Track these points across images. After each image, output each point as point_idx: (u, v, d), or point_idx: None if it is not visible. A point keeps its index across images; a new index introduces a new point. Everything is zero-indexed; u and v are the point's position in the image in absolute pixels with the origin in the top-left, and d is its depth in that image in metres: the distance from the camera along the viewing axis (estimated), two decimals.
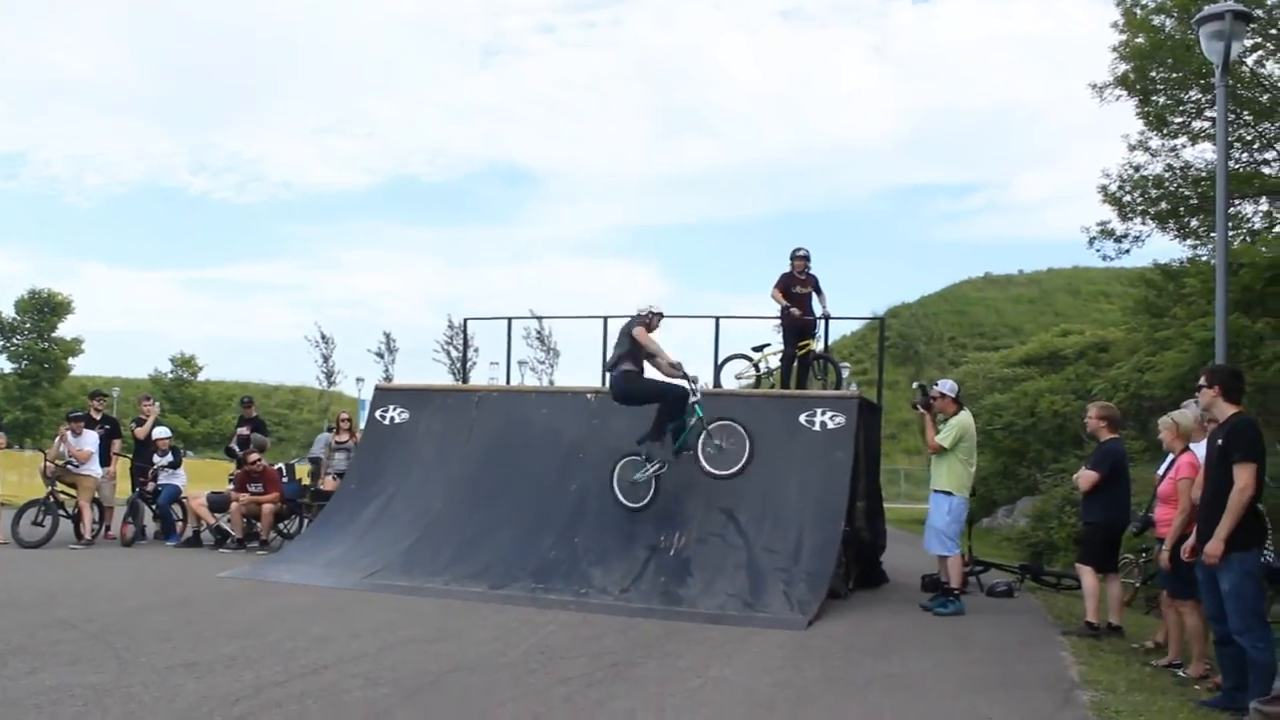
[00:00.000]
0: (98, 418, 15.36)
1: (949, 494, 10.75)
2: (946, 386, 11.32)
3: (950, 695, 6.74)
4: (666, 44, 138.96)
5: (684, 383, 11.15)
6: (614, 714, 5.90)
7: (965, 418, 11.04)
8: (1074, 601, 11.71)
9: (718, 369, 14.61)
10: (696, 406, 10.96)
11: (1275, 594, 9.21)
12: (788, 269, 13.97)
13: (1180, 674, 7.80)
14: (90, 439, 14.36)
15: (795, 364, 13.98)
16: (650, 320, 11.15)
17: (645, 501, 11.18)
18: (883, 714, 6.17)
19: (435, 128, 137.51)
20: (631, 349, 11.06)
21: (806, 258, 13.96)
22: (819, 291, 14.03)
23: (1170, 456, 8.61)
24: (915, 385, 13.73)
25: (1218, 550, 6.47)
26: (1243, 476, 6.39)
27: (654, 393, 11.21)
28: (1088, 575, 9.55)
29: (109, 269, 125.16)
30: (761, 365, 14.74)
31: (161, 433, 15.62)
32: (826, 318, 14.29)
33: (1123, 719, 6.22)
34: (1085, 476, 9.58)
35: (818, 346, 14.28)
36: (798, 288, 13.87)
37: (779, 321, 14.20)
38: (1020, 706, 6.47)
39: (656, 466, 11.10)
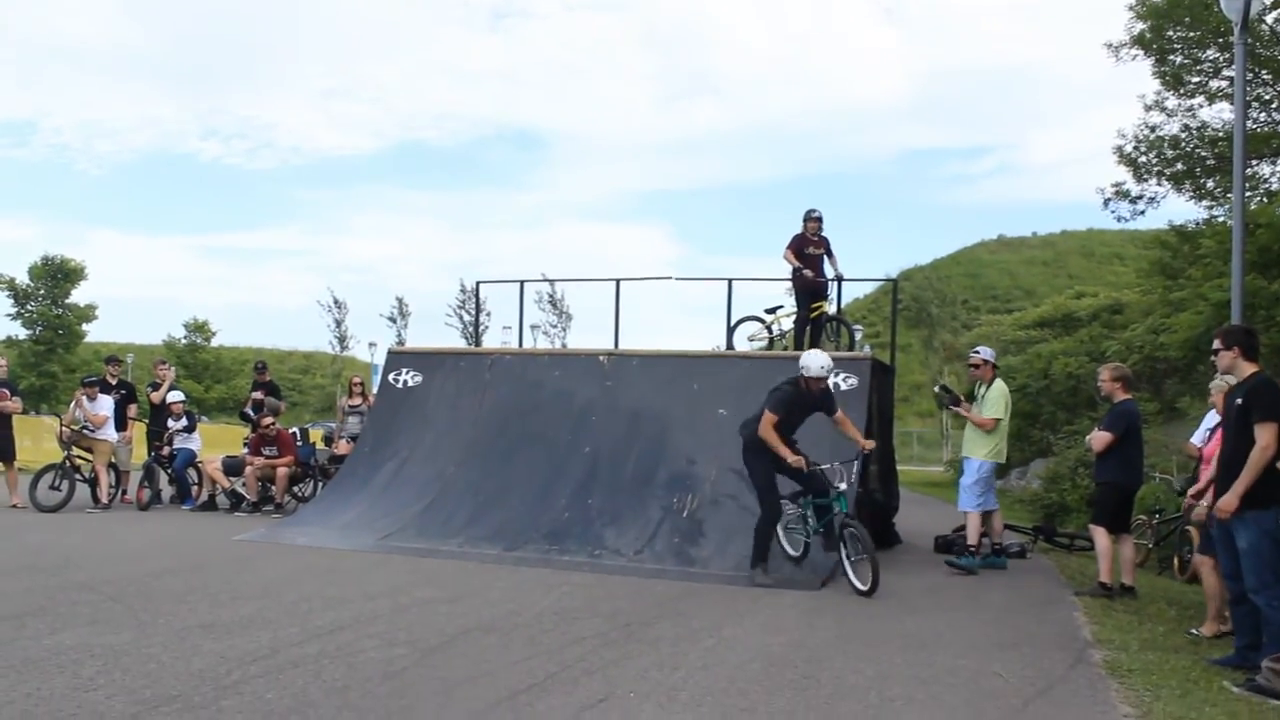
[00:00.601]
0: (113, 383, 15.43)
1: (983, 459, 10.99)
2: (988, 353, 11.51)
3: (963, 654, 6.76)
4: (675, 6, 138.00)
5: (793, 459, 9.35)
6: (628, 673, 5.94)
7: (1003, 385, 11.29)
8: (1087, 562, 11.72)
9: (730, 331, 14.58)
10: (841, 499, 9.30)
11: None
12: (800, 230, 13.90)
13: (1193, 632, 7.83)
14: (105, 404, 14.42)
15: (808, 326, 13.94)
16: (804, 385, 9.53)
17: (800, 553, 9.97)
18: (895, 672, 6.19)
19: (443, 91, 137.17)
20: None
21: (820, 219, 13.84)
22: (830, 254, 13.94)
23: (1209, 418, 8.60)
24: (937, 388, 13.78)
25: (1231, 505, 6.50)
26: (1264, 435, 6.38)
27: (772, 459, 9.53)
28: (1101, 536, 9.54)
29: (121, 236, 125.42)
30: (774, 327, 14.69)
31: (175, 397, 15.68)
32: (839, 279, 14.22)
33: (1135, 678, 6.23)
34: (1099, 438, 9.58)
35: (831, 309, 14.23)
36: (810, 249, 13.78)
37: (791, 283, 14.15)
38: (1033, 665, 6.49)
39: (806, 537, 9.88)
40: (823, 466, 9.46)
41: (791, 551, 10.00)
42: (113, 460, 14.55)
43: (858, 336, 14.68)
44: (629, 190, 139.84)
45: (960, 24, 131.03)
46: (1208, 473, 8.15)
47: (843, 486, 9.28)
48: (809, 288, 13.81)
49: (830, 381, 11.60)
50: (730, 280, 14.88)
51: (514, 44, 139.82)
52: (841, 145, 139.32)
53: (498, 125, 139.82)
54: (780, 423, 9.46)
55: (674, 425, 12.04)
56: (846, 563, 9.18)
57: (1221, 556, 7.04)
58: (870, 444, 9.82)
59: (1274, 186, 20.46)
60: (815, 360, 9.53)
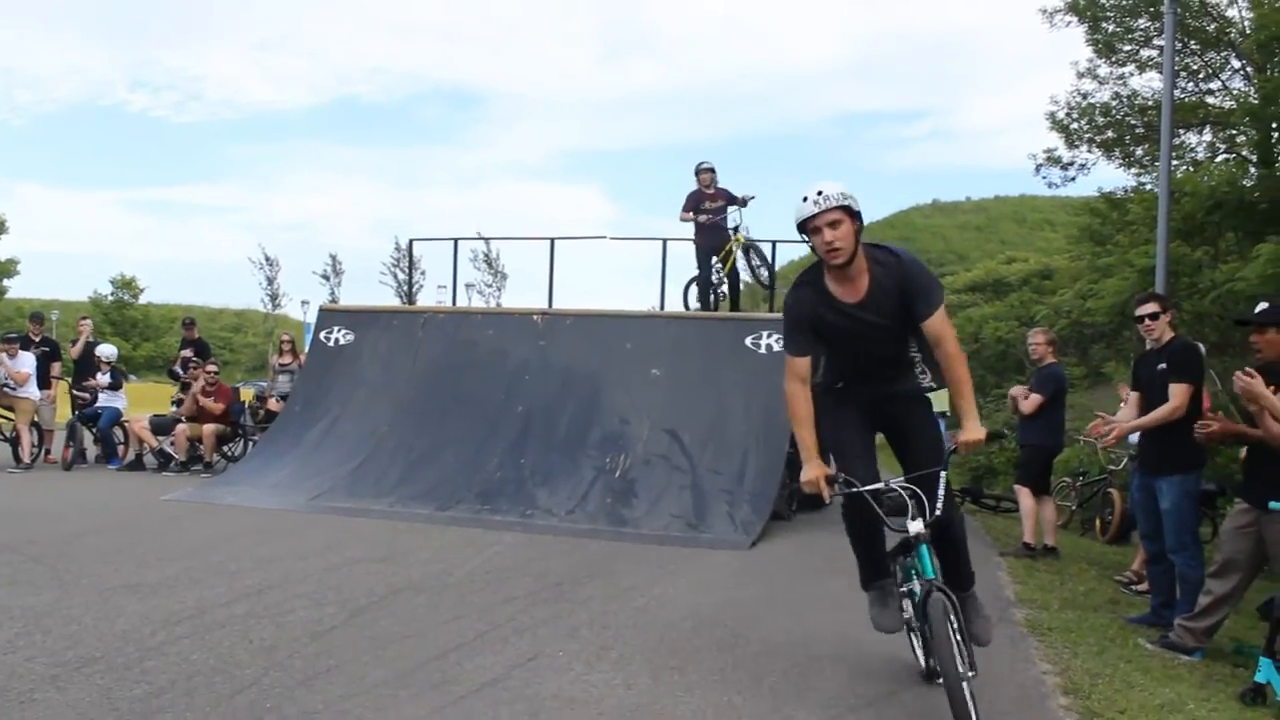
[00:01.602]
0: (36, 339, 15.07)
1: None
2: None
3: None
4: None
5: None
6: (558, 632, 5.96)
7: None
8: (1012, 524, 11.98)
9: (686, 290, 14.29)
10: (922, 553, 4.65)
11: (1205, 515, 9.52)
12: (695, 187, 13.70)
13: (1134, 589, 8.11)
14: (27, 360, 14.07)
15: (725, 284, 13.73)
16: (823, 266, 4.79)
17: (926, 666, 5.20)
18: (823, 632, 6.28)
19: (379, 46, 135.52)
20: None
21: (711, 170, 13.57)
22: (734, 200, 13.55)
23: None
24: None
25: (1120, 432, 7.20)
26: (1177, 396, 6.59)
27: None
28: (1025, 496, 9.76)
29: (45, 189, 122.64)
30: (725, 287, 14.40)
31: (106, 351, 15.36)
32: (745, 201, 13.53)
33: (1055, 635, 6.40)
34: (1032, 400, 9.73)
35: (745, 234, 13.87)
36: (708, 203, 13.55)
37: (694, 242, 13.82)
38: None
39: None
40: (861, 488, 4.62)
41: (921, 659, 5.28)
42: (35, 419, 14.23)
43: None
44: (565, 149, 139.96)
45: None
46: (1124, 410, 8.34)
47: (915, 527, 4.56)
48: (709, 246, 13.62)
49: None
50: (665, 240, 14.82)
51: None
52: (778, 107, 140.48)
53: (435, 81, 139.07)
54: (828, 367, 5.09)
55: (607, 385, 12.05)
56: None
57: (1139, 517, 7.24)
58: (976, 438, 4.73)
59: (1200, 156, 20.80)
60: (805, 195, 4.61)
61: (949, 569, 4.92)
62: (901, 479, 4.64)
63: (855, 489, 4.61)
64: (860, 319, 4.73)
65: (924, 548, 4.62)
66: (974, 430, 4.70)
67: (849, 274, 4.69)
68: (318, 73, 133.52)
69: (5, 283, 59.89)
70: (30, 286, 66.69)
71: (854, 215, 4.59)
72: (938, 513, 4.57)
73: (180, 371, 15.80)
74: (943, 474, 4.69)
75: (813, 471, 4.67)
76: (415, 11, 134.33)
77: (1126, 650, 6.14)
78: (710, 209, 13.54)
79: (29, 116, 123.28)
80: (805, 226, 4.65)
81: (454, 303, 16.19)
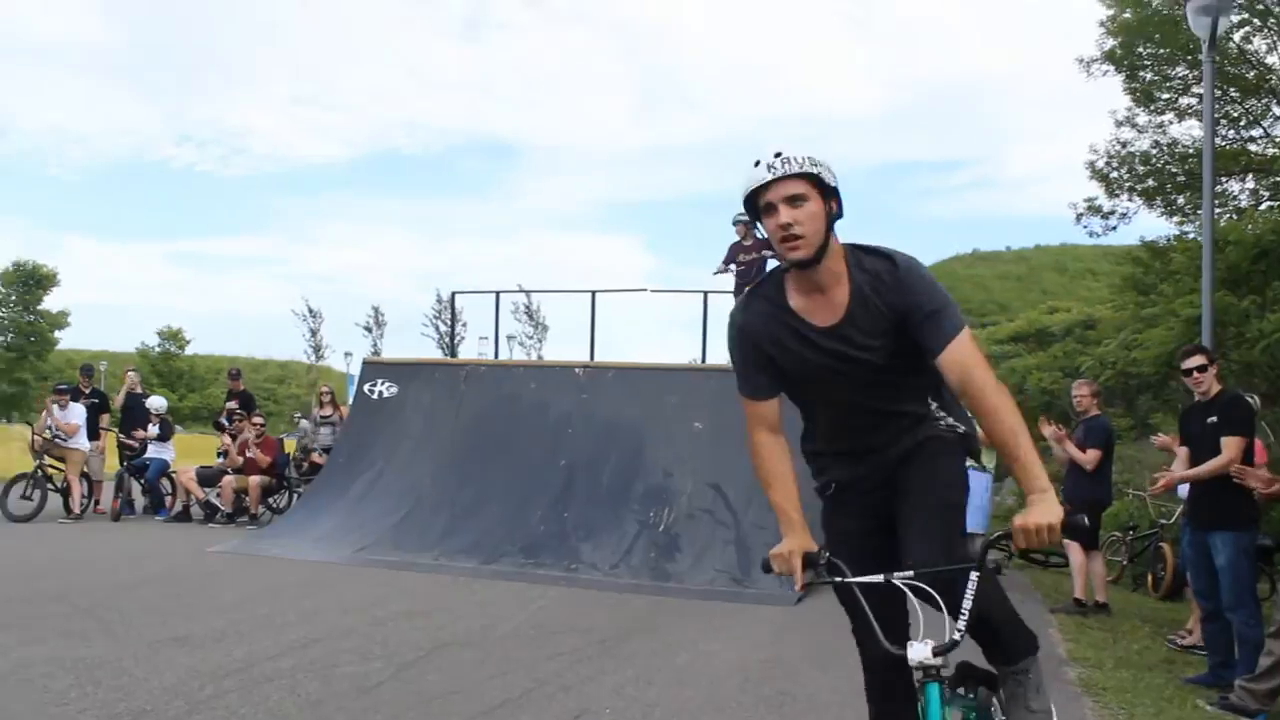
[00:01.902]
0: (86, 391, 15.31)
1: (984, 469, 10.92)
2: None
3: None
4: (648, 17, 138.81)
5: None
6: (603, 689, 5.93)
7: None
8: (1061, 579, 11.78)
9: None
10: (930, 692, 2.90)
11: (1263, 571, 9.34)
12: (736, 239, 13.73)
13: (1180, 643, 7.96)
14: (77, 412, 14.30)
15: None
16: (782, 273, 3.33)
17: None
18: None
19: (416, 100, 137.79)
20: None
21: (745, 222, 13.38)
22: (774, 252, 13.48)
23: None
24: None
25: (1170, 481, 7.24)
26: (1231, 449, 6.53)
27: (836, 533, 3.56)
28: (1075, 552, 9.60)
29: (95, 242, 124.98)
30: None
31: (156, 404, 15.60)
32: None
33: (1109, 696, 6.27)
34: (1091, 454, 9.52)
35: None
36: (744, 255, 13.58)
37: (733, 294, 13.68)
38: None
39: None
40: (850, 578, 3.01)
41: None
42: (85, 470, 14.42)
43: None
44: (602, 200, 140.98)
45: (933, 38, 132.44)
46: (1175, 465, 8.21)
47: (920, 654, 2.83)
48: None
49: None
50: (705, 293, 14.87)
51: (487, 53, 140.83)
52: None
53: (470, 134, 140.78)
54: (810, 451, 3.56)
55: (650, 438, 12.04)
56: None
57: (1193, 575, 7.11)
58: (1043, 522, 2.82)
59: (1243, 203, 20.62)
60: (758, 160, 3.09)
61: (988, 648, 3.61)
62: (908, 574, 2.94)
63: (842, 578, 3.02)
64: (837, 351, 3.14)
65: (933, 687, 2.89)
66: (1044, 510, 2.86)
67: (819, 281, 3.14)
68: (358, 127, 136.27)
69: (56, 334, 60.83)
70: (79, 338, 67.98)
71: (826, 192, 3.10)
72: (957, 636, 2.86)
73: (226, 423, 15.97)
74: (974, 576, 2.89)
75: (788, 544, 3.16)
76: (451, 66, 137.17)
77: (1184, 712, 5.99)
78: (745, 260, 13.53)
79: (81, 171, 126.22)
80: (755, 203, 3.11)
81: (496, 355, 16.29)
